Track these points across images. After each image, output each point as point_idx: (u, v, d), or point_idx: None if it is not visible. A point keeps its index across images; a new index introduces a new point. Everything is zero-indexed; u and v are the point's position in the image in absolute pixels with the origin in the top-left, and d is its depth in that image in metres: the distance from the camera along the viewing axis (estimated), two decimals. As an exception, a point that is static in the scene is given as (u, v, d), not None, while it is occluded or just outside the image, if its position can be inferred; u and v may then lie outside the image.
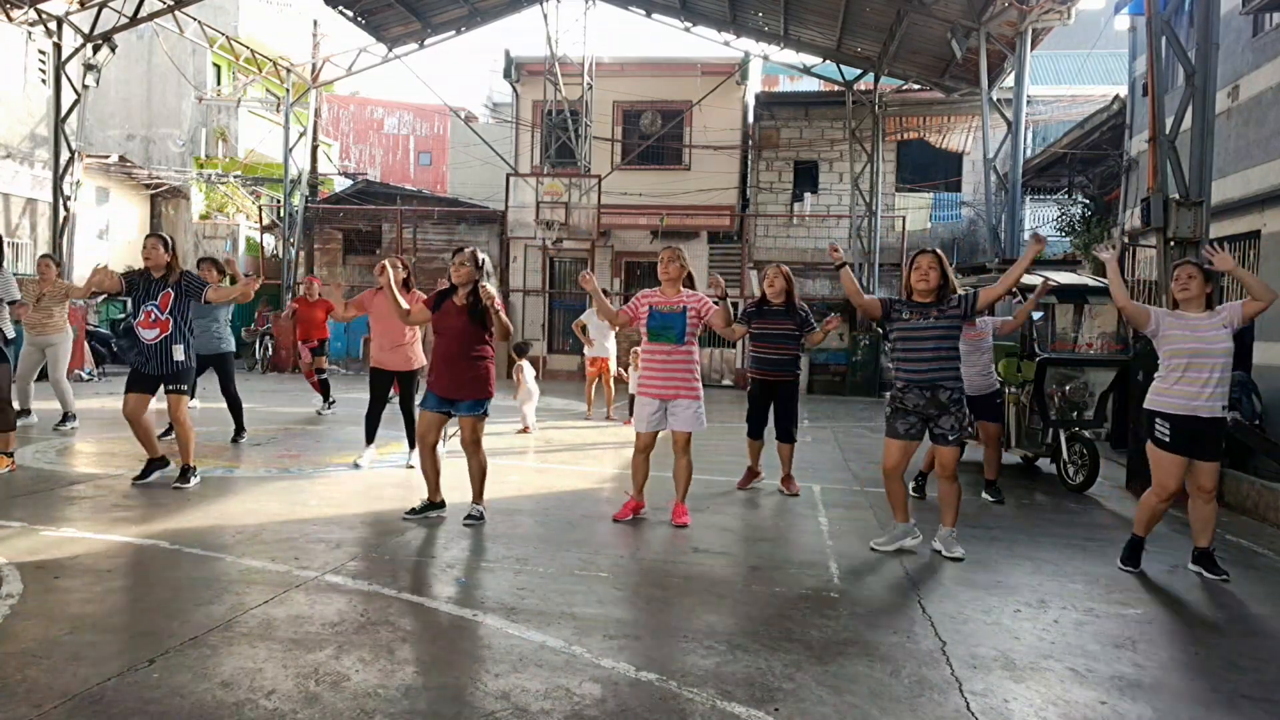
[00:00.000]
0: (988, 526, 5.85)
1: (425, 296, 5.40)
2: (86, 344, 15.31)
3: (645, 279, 19.98)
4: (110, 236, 21.35)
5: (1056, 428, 7.41)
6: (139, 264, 7.00)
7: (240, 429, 8.19)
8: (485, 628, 3.56)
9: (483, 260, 5.30)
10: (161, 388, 6.01)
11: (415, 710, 2.79)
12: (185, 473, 6.07)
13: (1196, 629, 3.95)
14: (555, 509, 5.89)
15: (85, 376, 14.61)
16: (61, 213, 14.89)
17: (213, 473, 6.70)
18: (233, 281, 7.70)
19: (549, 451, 8.68)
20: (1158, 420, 4.67)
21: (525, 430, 9.78)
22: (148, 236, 6.11)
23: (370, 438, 7.27)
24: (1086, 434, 7.36)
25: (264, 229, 22.18)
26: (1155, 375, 4.83)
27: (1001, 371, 8.13)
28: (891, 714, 2.91)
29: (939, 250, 5.02)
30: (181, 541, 4.65)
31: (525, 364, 9.93)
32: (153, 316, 5.92)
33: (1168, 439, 4.62)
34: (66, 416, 8.55)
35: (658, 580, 4.36)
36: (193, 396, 8.34)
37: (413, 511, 5.41)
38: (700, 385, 5.53)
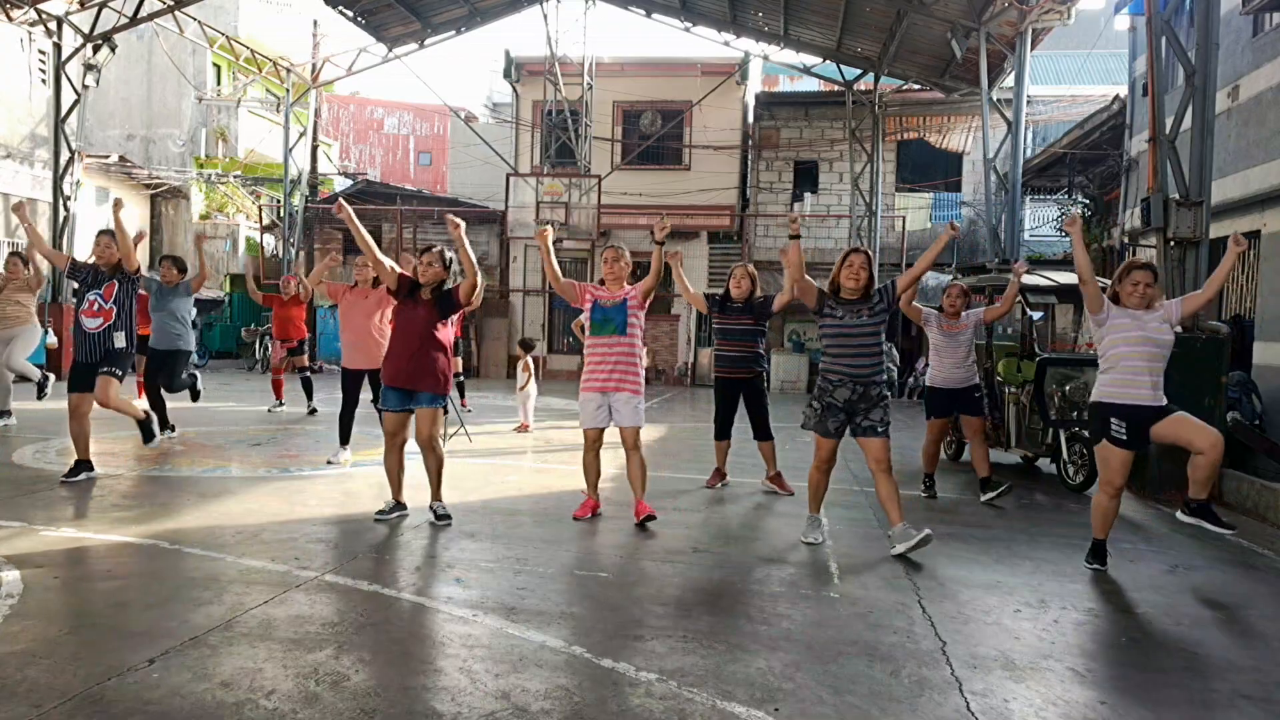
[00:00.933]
0: (988, 526, 5.85)
1: (403, 273, 5.41)
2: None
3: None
4: (110, 236, 21.33)
5: (1056, 428, 7.40)
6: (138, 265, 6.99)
7: (164, 422, 7.96)
8: (485, 628, 3.55)
9: (450, 259, 5.32)
10: (97, 370, 6.06)
11: (415, 710, 2.79)
12: (144, 426, 6.29)
13: (1196, 629, 3.95)
14: (555, 509, 5.89)
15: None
16: (61, 213, 14.90)
17: (212, 473, 6.70)
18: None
19: (549, 451, 8.68)
20: (1113, 419, 4.65)
21: (524, 428, 9.80)
22: (101, 233, 6.15)
23: (344, 438, 7.25)
24: (1086, 434, 7.35)
25: (264, 229, 22.20)
26: (1099, 371, 4.82)
27: (1001, 371, 8.14)
28: (891, 714, 2.91)
29: (870, 251, 5.16)
30: (181, 541, 4.65)
31: (530, 360, 10.01)
32: (97, 306, 6.00)
33: (1124, 438, 4.63)
34: (43, 384, 8.57)
35: (658, 580, 4.36)
36: (163, 406, 8.20)
37: (381, 513, 5.37)
38: (642, 380, 5.56)
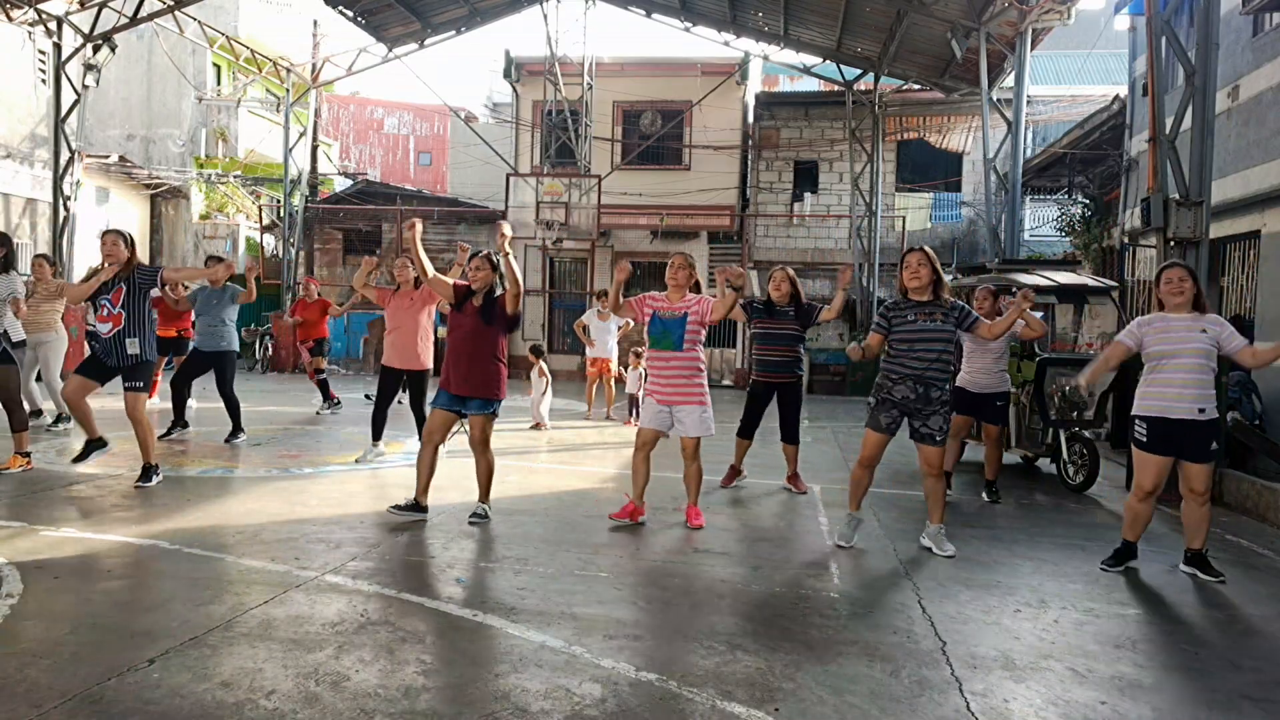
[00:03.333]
0: (988, 526, 5.85)
1: (460, 282, 5.43)
2: (87, 343, 15.31)
3: (645, 279, 20.00)
4: (110, 236, 21.32)
5: (1056, 428, 7.41)
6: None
7: (237, 429, 8.18)
8: (485, 628, 3.55)
9: (496, 261, 5.33)
10: (122, 384, 6.05)
11: (415, 710, 2.79)
12: (146, 472, 6.07)
13: (1197, 629, 3.95)
14: (555, 509, 5.89)
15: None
16: (61, 213, 14.89)
17: (213, 473, 6.70)
18: (241, 284, 7.83)
19: (549, 451, 8.68)
20: (1136, 421, 4.74)
21: (539, 426, 10.02)
22: (105, 232, 6.12)
23: (377, 435, 7.38)
24: (1086, 434, 7.36)
25: (264, 229, 22.19)
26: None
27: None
28: (891, 714, 2.91)
29: (925, 248, 5.04)
30: (181, 541, 4.65)
31: (544, 364, 10.28)
32: (106, 310, 6.00)
33: (1145, 440, 4.68)
34: (60, 418, 8.55)
35: (658, 580, 4.36)
36: (188, 396, 8.33)
37: (397, 507, 5.41)
38: (705, 390, 5.49)
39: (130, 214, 22.12)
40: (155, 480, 6.07)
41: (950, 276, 14.24)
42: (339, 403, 11.02)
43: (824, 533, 5.53)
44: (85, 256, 18.11)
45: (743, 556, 4.89)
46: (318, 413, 10.61)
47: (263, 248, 22.24)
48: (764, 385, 6.80)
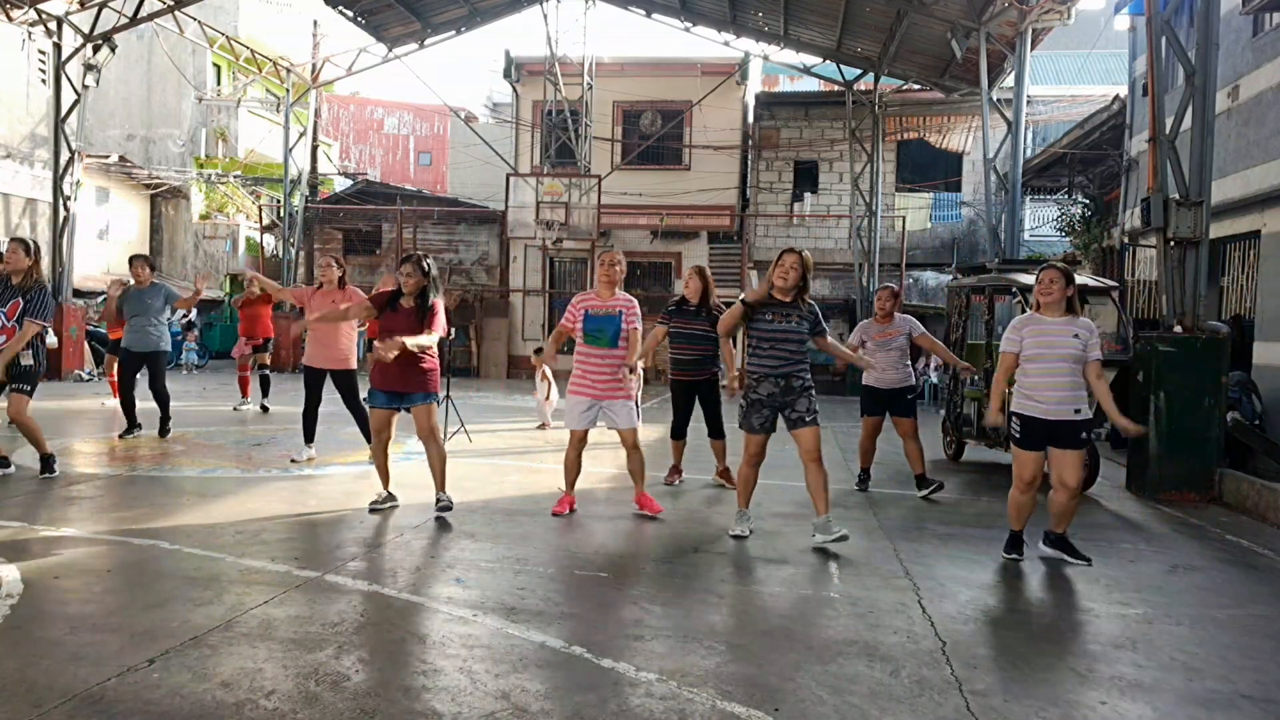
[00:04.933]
0: (988, 526, 5.84)
1: (364, 295, 5.57)
2: (86, 344, 15.32)
3: (645, 279, 20.01)
4: (110, 236, 21.36)
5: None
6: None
7: (165, 425, 8.19)
8: (485, 628, 3.55)
9: (429, 267, 5.44)
10: (8, 388, 6.07)
11: (415, 710, 2.79)
12: (46, 461, 6.17)
13: (1196, 629, 3.95)
14: (555, 509, 5.89)
15: (85, 377, 14.62)
16: (61, 213, 14.89)
17: (213, 473, 6.70)
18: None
19: (549, 451, 8.67)
20: (1014, 418, 4.88)
21: (544, 426, 10.18)
22: (12, 239, 6.14)
23: (309, 437, 7.29)
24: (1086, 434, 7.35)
25: (264, 229, 22.20)
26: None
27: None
28: (891, 714, 2.91)
29: (805, 252, 5.10)
30: (181, 541, 4.65)
31: (547, 368, 10.33)
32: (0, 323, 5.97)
33: (1020, 436, 4.84)
34: None
35: (657, 580, 4.36)
36: (133, 407, 8.21)
37: (375, 505, 5.54)
38: (633, 384, 5.66)
39: (130, 214, 22.12)
40: (57, 468, 6.21)
41: (950, 276, 14.24)
42: (248, 402, 11.12)
43: (824, 533, 5.52)
44: (85, 257, 18.13)
45: (742, 557, 4.89)
46: (263, 410, 10.73)
47: (263, 248, 22.25)
48: (679, 383, 6.90)
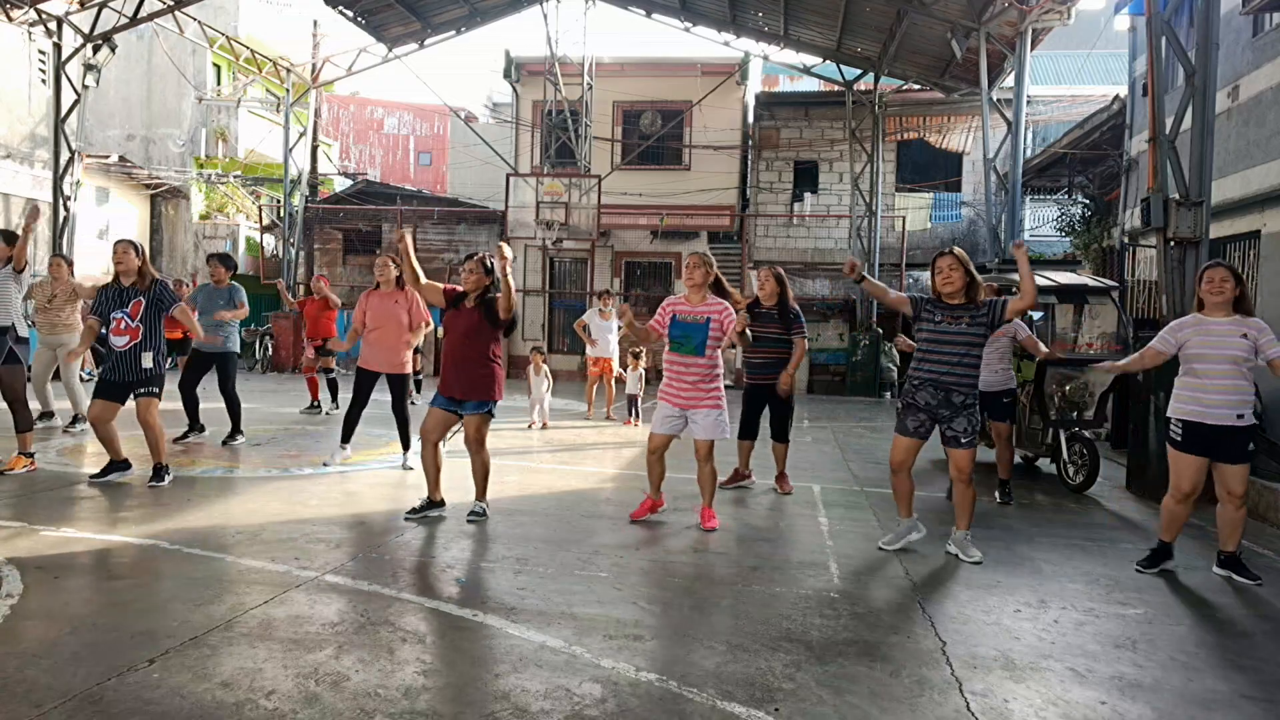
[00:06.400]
0: (988, 526, 5.84)
1: (448, 287, 5.46)
2: (92, 357, 15.31)
3: (645, 279, 20.01)
4: (110, 236, 21.34)
5: (1056, 428, 7.40)
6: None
7: (236, 430, 8.13)
8: (485, 628, 3.55)
9: (490, 264, 5.35)
10: (131, 394, 6.05)
11: (415, 710, 2.79)
12: (158, 471, 6.11)
13: (1196, 629, 3.95)
14: (555, 509, 5.89)
15: (85, 376, 14.61)
16: (61, 213, 14.89)
17: (213, 473, 6.70)
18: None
19: (549, 451, 8.68)
20: (1172, 422, 4.75)
21: (538, 425, 10.09)
22: (118, 242, 6.14)
23: (346, 437, 7.20)
24: (1086, 434, 7.36)
25: (264, 229, 22.19)
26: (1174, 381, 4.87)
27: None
28: (891, 714, 2.91)
29: (957, 250, 4.94)
30: (181, 541, 4.65)
31: (545, 364, 10.38)
32: (124, 324, 5.98)
33: (1180, 439, 4.70)
34: (76, 419, 8.53)
35: (658, 580, 4.36)
36: (196, 407, 8.22)
37: (414, 512, 5.43)
38: (722, 393, 5.47)
39: (130, 214, 22.12)
40: (167, 480, 6.10)
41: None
42: (318, 405, 10.92)
43: (824, 533, 5.52)
44: (85, 256, 18.08)
45: (743, 556, 4.89)
46: (326, 413, 10.61)
47: (263, 248, 22.24)
48: (755, 387, 6.81)
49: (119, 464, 6.18)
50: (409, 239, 5.46)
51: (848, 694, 3.04)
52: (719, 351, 5.45)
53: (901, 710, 2.94)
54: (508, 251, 5.11)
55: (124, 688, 2.86)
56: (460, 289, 5.39)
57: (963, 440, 4.86)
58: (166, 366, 6.31)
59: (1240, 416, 4.56)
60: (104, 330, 6.13)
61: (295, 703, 2.80)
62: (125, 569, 4.20)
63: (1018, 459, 8.33)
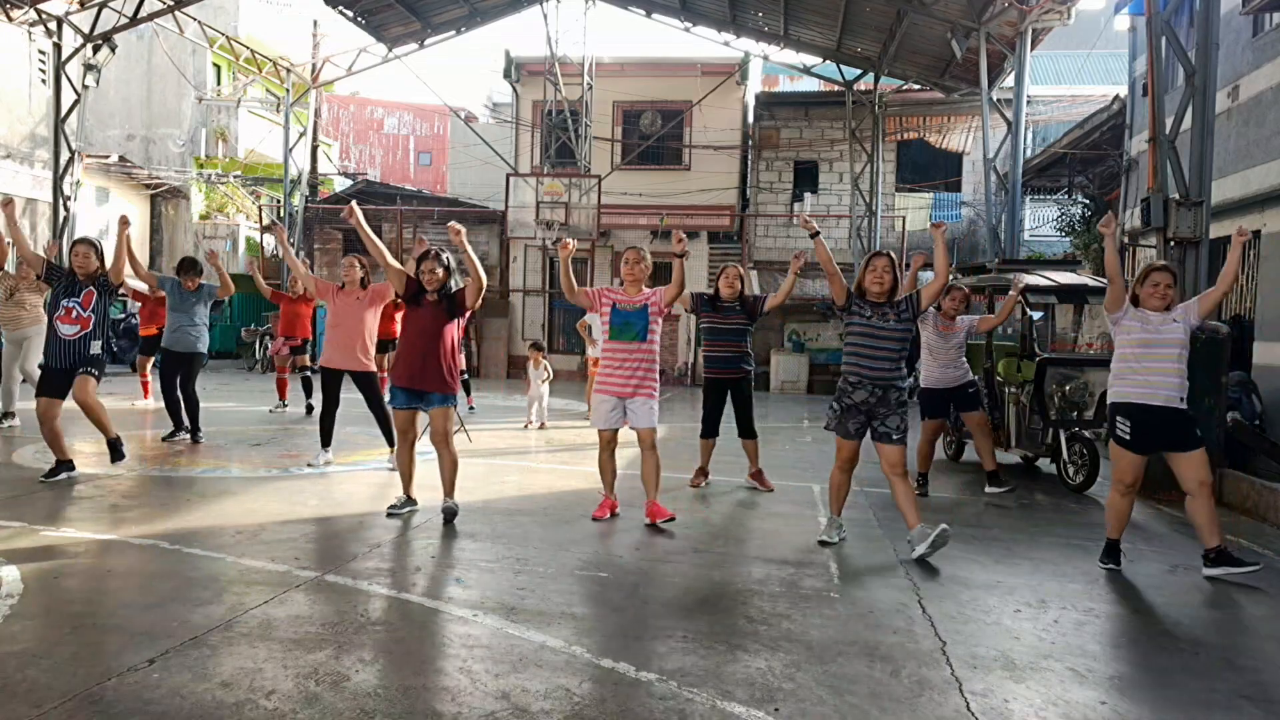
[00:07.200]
0: (988, 526, 5.85)
1: (413, 277, 5.48)
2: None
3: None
4: (110, 236, 21.33)
5: (1056, 428, 7.40)
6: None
7: (195, 429, 8.08)
8: (485, 628, 3.55)
9: (449, 262, 5.39)
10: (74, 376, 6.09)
11: (415, 710, 2.79)
12: (114, 446, 6.20)
13: (1197, 629, 3.95)
14: (555, 509, 5.89)
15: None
16: (61, 213, 14.89)
17: (212, 473, 6.70)
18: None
19: (549, 451, 8.68)
20: (1119, 419, 4.77)
21: (535, 425, 10.05)
22: (77, 242, 6.18)
23: (326, 440, 7.12)
24: (1086, 434, 7.35)
25: (264, 229, 22.19)
26: (1111, 372, 4.92)
27: (1001, 371, 8.14)
28: (891, 714, 2.91)
29: (892, 254, 5.11)
30: (181, 541, 4.65)
31: (545, 361, 10.32)
32: (75, 313, 6.03)
33: (1128, 438, 4.72)
34: (6, 414, 8.48)
35: (658, 580, 4.36)
36: (179, 408, 8.18)
37: (393, 508, 5.47)
38: (657, 383, 5.57)
39: (130, 214, 22.10)
40: (125, 451, 6.29)
41: (950, 277, 14.25)
42: (286, 405, 10.94)
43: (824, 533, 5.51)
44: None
45: (742, 557, 4.89)
46: (309, 410, 10.51)
47: (263, 248, 22.24)
48: (713, 382, 6.82)
49: (65, 464, 6.16)
50: (358, 211, 5.50)
51: (848, 694, 3.04)
52: (658, 339, 5.53)
53: (901, 710, 2.94)
54: (458, 225, 5.17)
55: (124, 688, 2.86)
56: (421, 282, 5.40)
57: (894, 437, 4.96)
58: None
59: (1182, 400, 4.64)
60: (50, 317, 6.12)
61: (295, 703, 2.80)
62: (125, 569, 4.20)
63: (1017, 459, 8.33)
